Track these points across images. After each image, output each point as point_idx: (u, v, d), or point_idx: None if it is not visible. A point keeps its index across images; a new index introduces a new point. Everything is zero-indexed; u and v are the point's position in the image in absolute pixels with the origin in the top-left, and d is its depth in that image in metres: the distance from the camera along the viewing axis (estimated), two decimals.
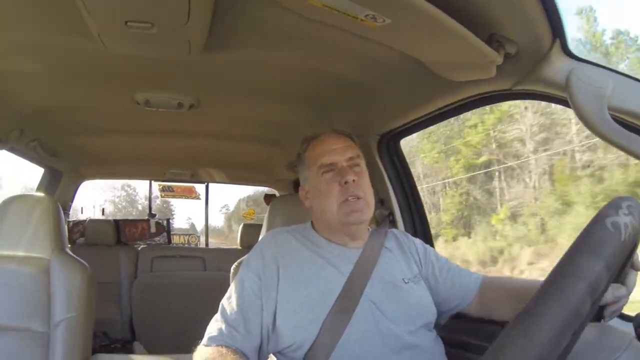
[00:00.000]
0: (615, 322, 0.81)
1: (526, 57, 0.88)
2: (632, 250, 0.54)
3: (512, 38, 0.84)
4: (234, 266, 1.30)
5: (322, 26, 0.89)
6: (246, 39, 1.05)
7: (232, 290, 0.97)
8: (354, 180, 0.96)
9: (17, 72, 1.26)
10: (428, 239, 1.54)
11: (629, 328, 0.68)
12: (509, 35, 0.84)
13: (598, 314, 0.72)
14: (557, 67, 0.85)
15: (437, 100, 1.23)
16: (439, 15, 0.76)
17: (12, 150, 1.80)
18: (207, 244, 3.70)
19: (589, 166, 10.42)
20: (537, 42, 0.84)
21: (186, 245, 3.46)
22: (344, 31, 0.90)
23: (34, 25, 1.00)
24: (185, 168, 2.79)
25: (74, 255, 1.40)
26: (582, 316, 0.42)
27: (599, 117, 0.79)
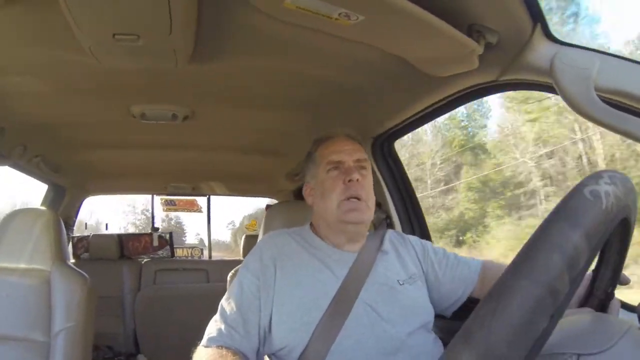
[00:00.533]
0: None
1: (508, 45, 0.87)
2: (622, 229, 0.49)
3: (491, 27, 0.83)
4: (230, 273, 1.29)
5: (306, 31, 0.90)
6: (232, 48, 1.06)
7: (231, 291, 0.97)
8: (358, 180, 0.97)
9: (18, 90, 1.29)
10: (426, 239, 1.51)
11: (632, 319, 0.65)
12: (488, 24, 0.83)
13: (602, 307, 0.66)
14: (541, 52, 0.84)
15: (426, 98, 1.22)
16: (412, 8, 0.76)
17: (14, 166, 1.83)
18: (210, 256, 3.69)
19: (432, 207, 15.53)
20: (517, 29, 0.83)
21: (189, 258, 3.46)
22: (327, 35, 0.91)
23: (31, 43, 1.03)
24: (186, 181, 2.81)
25: (74, 267, 1.42)
26: (560, 294, 0.37)
27: (586, 99, 0.77)
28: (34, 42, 1.02)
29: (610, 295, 0.61)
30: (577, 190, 0.42)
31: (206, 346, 0.90)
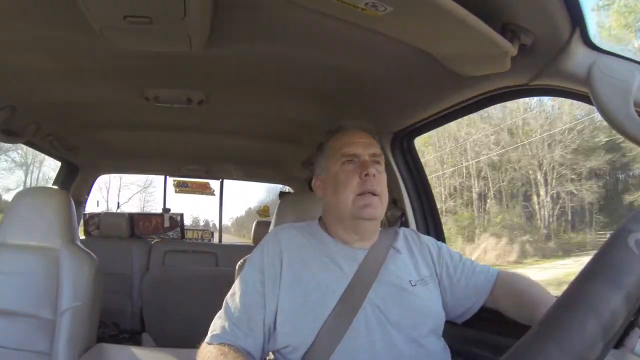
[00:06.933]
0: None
1: (543, 49, 0.82)
2: None
3: (527, 27, 0.78)
4: (239, 263, 1.28)
5: (329, 19, 0.86)
6: (250, 34, 1.03)
7: (235, 287, 0.95)
8: (374, 175, 0.94)
9: (31, 68, 1.28)
10: (441, 240, 1.49)
11: None
12: (524, 24, 0.78)
13: (618, 342, 0.62)
14: (578, 59, 0.79)
15: (451, 96, 1.18)
16: (444, 1, 0.72)
17: (29, 143, 1.85)
18: (220, 240, 3.68)
19: None
20: (555, 32, 0.78)
21: (199, 241, 3.48)
22: (351, 24, 0.86)
23: (43, 22, 1.01)
24: (200, 164, 2.81)
25: (83, 247, 1.43)
26: None
27: (623, 113, 0.72)
28: (45, 21, 1.00)
29: (634, 324, 0.57)
30: (619, 238, 0.37)
31: (209, 343, 0.89)
